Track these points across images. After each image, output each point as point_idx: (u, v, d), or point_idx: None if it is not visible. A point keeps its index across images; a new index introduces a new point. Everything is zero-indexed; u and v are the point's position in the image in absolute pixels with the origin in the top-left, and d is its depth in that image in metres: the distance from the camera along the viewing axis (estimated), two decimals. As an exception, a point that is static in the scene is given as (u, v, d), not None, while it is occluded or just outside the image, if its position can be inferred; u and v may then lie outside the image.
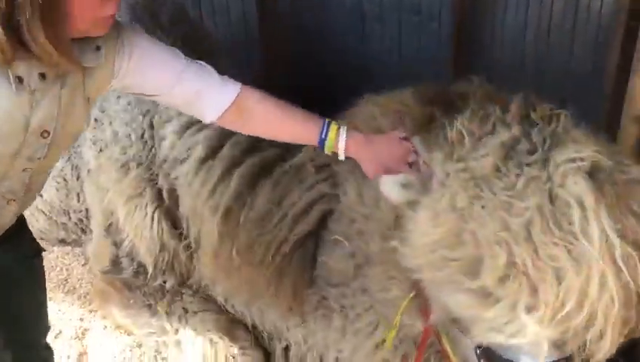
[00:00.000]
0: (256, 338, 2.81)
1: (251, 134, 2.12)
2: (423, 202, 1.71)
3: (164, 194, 2.67)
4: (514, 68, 4.06)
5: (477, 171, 1.62)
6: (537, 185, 1.56)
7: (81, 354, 2.94)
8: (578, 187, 1.53)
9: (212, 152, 2.48)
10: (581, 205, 1.51)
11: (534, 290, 1.48)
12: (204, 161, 2.47)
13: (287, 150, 2.38)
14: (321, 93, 4.56)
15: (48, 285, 3.21)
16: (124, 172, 2.70)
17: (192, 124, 2.54)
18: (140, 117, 2.69)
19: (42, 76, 1.51)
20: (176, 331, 2.80)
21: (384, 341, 2.12)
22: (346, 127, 1.89)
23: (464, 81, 2.07)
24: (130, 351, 2.92)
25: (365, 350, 2.24)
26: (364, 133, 1.93)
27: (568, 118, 1.76)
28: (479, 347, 1.67)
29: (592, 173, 1.58)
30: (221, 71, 1.94)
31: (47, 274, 3.29)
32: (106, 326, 3.04)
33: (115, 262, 2.93)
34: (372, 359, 2.23)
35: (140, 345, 2.93)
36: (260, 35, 4.31)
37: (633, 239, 1.53)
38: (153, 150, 2.66)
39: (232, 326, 2.82)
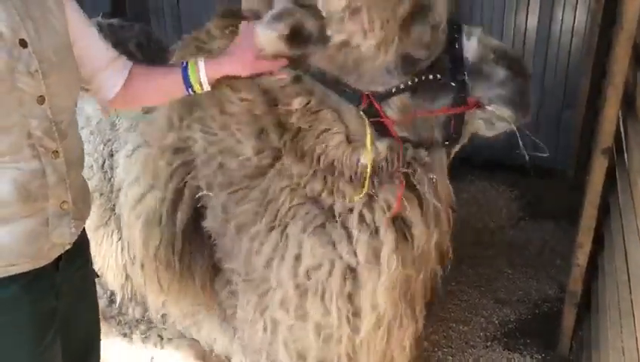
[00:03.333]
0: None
1: (137, 105, 2.16)
2: None
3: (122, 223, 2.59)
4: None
5: None
6: None
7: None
8: None
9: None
10: None
11: None
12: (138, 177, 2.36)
13: None
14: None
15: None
16: None
17: (139, 147, 2.43)
18: (101, 146, 2.65)
19: None
20: (152, 358, 2.79)
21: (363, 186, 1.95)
22: (202, 59, 1.89)
23: None
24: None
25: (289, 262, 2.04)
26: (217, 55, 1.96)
27: None
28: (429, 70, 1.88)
29: None
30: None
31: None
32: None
33: None
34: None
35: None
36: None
37: None
38: (112, 179, 2.61)
39: (207, 352, 2.83)
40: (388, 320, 2.05)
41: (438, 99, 1.92)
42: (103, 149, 2.62)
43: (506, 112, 1.93)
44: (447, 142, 2.00)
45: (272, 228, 2.01)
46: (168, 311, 2.61)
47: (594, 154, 2.56)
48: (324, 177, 1.96)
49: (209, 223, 2.15)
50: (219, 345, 2.58)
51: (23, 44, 1.51)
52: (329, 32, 1.80)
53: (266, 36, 1.77)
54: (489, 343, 3.18)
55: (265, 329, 2.13)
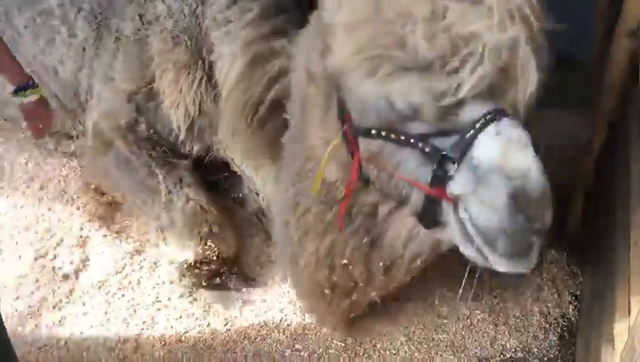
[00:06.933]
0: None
1: None
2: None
3: (207, 65, 2.82)
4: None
5: None
6: None
7: (82, 261, 3.04)
8: None
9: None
10: None
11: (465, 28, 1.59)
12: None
13: None
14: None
15: (47, 196, 3.33)
16: (176, 42, 2.84)
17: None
18: None
19: None
20: (169, 192, 2.97)
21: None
22: None
23: None
24: (131, 257, 3.04)
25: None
26: None
27: None
28: (420, 140, 1.72)
29: None
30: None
31: (45, 185, 3.40)
32: (105, 235, 3.14)
33: (132, 124, 3.06)
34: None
35: (139, 252, 3.05)
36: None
37: None
38: (203, 25, 2.78)
39: (221, 200, 3.04)
40: None
41: (414, 167, 1.75)
42: None
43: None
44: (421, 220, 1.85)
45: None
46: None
47: (616, 37, 2.44)
48: None
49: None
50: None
51: None
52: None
53: None
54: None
55: None
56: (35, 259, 3.02)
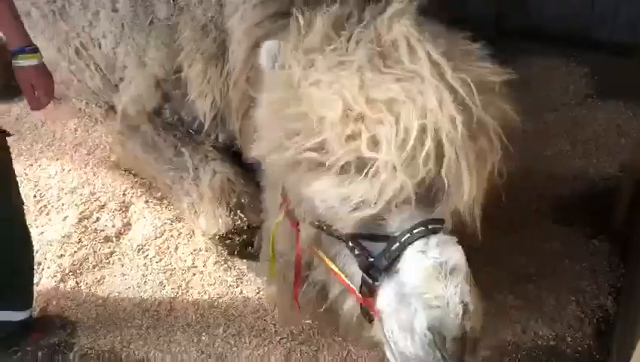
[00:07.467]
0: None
1: None
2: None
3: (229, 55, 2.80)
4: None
5: (309, 44, 1.68)
6: (366, 39, 1.62)
7: (124, 225, 3.14)
8: (403, 27, 1.61)
9: None
10: (407, 39, 1.58)
11: (375, 139, 1.49)
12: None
13: None
14: None
15: (93, 161, 3.44)
16: (206, 33, 2.83)
17: None
18: None
19: None
20: (196, 168, 3.02)
21: None
22: None
23: None
24: (171, 223, 3.12)
25: None
26: None
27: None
28: (350, 240, 1.64)
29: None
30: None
31: (92, 151, 3.51)
32: (147, 201, 3.24)
33: (158, 110, 3.14)
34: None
35: (179, 219, 3.12)
36: None
37: (463, 70, 1.58)
38: (225, 14, 2.74)
39: (253, 174, 3.02)
40: None
41: (350, 262, 1.68)
42: None
43: None
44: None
45: None
46: None
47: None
48: None
49: None
50: None
51: None
52: None
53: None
54: (540, 217, 3.13)
55: None
56: (79, 221, 3.13)
